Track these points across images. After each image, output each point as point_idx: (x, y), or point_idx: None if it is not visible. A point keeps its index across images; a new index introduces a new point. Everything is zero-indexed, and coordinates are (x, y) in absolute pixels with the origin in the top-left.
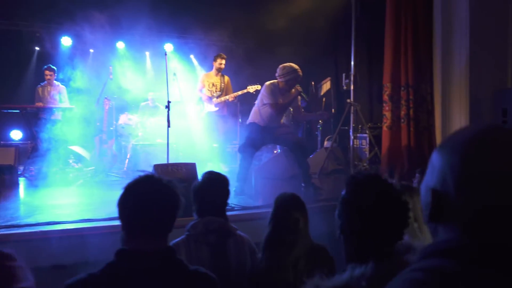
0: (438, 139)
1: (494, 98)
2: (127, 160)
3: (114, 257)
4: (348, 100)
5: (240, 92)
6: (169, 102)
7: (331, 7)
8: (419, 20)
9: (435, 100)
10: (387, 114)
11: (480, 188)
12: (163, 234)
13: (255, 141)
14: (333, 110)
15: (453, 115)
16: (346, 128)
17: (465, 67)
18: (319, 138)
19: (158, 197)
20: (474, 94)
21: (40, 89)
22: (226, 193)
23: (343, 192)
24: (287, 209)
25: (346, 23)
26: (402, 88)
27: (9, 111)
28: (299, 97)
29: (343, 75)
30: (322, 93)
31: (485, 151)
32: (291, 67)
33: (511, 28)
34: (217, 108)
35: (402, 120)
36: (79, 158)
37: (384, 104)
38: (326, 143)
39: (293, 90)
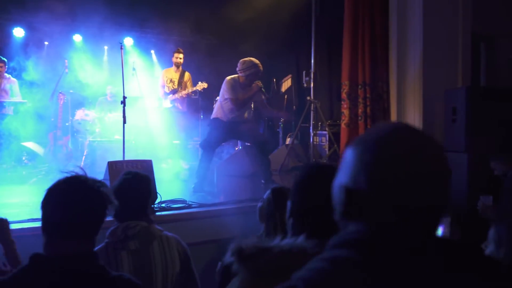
0: None
1: (445, 97)
2: (83, 157)
3: (28, 261)
4: (308, 98)
5: (190, 90)
6: (124, 97)
7: (293, 3)
8: (376, 19)
9: (390, 98)
10: (345, 111)
11: (389, 188)
12: (87, 237)
13: (217, 137)
14: (294, 107)
15: (408, 113)
16: (307, 125)
17: (419, 66)
18: (280, 135)
19: (81, 198)
20: (428, 93)
21: None
22: (148, 193)
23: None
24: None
25: (306, 20)
26: (360, 86)
27: None
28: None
29: (304, 72)
30: (283, 90)
31: (395, 151)
32: (251, 61)
33: (462, 28)
34: (171, 105)
35: (360, 118)
36: (32, 155)
37: (343, 102)
38: (288, 140)
39: (253, 85)
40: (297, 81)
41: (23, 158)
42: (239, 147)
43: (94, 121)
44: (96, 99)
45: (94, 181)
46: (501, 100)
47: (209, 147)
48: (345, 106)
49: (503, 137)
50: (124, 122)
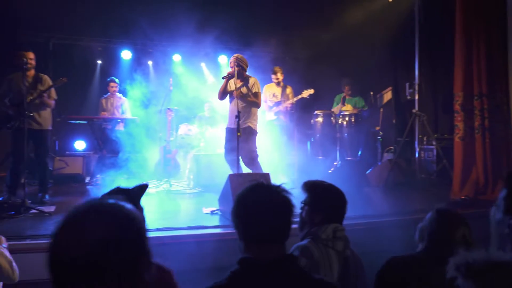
0: None
1: None
2: (187, 170)
3: (237, 265)
4: (414, 110)
5: (295, 98)
6: (239, 112)
7: (392, 15)
8: (491, 28)
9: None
10: (459, 124)
11: None
12: (281, 242)
13: None
14: (393, 120)
15: None
16: (407, 139)
17: None
18: (379, 150)
19: (272, 204)
20: None
21: (103, 101)
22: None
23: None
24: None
25: (407, 31)
26: (475, 97)
27: (77, 122)
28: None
29: (407, 84)
30: (383, 103)
31: None
32: None
33: None
34: (275, 117)
35: (476, 131)
36: (139, 168)
37: (456, 114)
38: (385, 155)
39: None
40: (395, 93)
41: (131, 171)
42: (338, 161)
43: (197, 136)
44: (195, 115)
45: (277, 187)
46: None
47: None
48: (459, 118)
49: None
50: (239, 135)
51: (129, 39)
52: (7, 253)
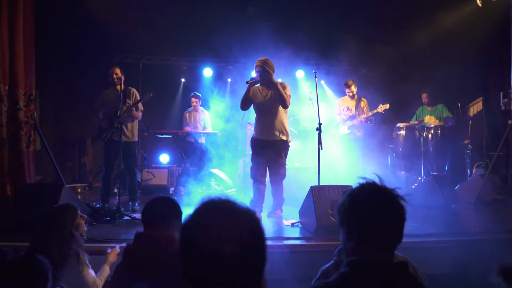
0: None
1: None
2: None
3: (345, 267)
4: (510, 121)
5: (370, 113)
6: (320, 124)
7: (482, 21)
8: None
9: None
10: None
11: None
12: (392, 248)
13: None
14: (485, 133)
15: None
16: (502, 153)
17: None
18: (468, 164)
19: (390, 208)
20: None
21: (187, 115)
22: None
23: None
24: None
25: (500, 37)
26: None
27: (163, 136)
28: None
29: (501, 93)
30: (471, 115)
31: None
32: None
33: None
34: (349, 131)
35: None
36: (220, 180)
37: None
38: (476, 170)
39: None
40: (485, 104)
41: (212, 183)
42: (422, 176)
43: None
44: None
45: (393, 190)
46: None
47: None
48: None
49: None
50: (321, 148)
51: (210, 58)
52: (92, 272)
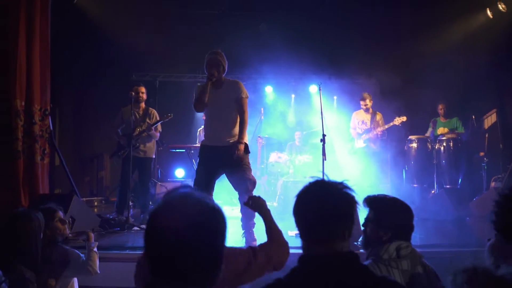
0: None
1: None
2: (277, 196)
3: (297, 263)
4: None
5: (386, 126)
6: (324, 135)
7: (495, 32)
8: None
9: None
10: None
11: None
12: (342, 239)
13: None
14: (501, 145)
15: None
16: None
17: None
18: (484, 178)
19: (332, 201)
20: None
21: (200, 130)
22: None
23: None
24: None
25: None
26: None
27: (176, 150)
28: None
29: None
30: (485, 127)
31: None
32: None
33: None
34: (365, 144)
35: None
36: (233, 193)
37: None
38: (493, 184)
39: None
40: (501, 115)
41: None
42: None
43: (287, 163)
44: (285, 143)
45: (339, 183)
46: None
47: None
48: None
49: None
50: (324, 159)
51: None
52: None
